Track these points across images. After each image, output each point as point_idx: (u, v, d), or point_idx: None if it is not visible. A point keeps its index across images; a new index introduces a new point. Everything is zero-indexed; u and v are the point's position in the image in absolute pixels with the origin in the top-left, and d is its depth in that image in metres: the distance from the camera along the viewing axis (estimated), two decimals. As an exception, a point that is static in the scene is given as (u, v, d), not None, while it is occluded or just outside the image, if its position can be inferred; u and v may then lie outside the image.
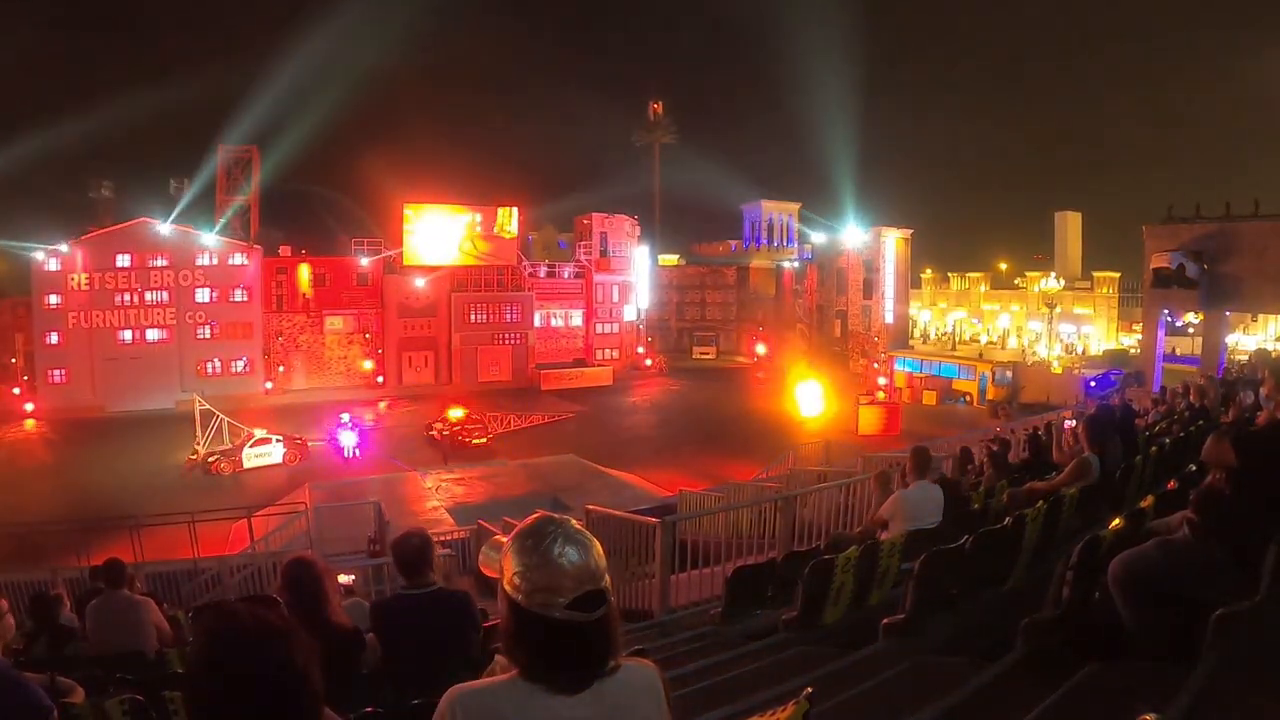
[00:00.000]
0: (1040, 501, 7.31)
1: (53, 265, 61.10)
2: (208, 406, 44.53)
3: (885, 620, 5.85)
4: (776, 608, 7.50)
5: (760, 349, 74.23)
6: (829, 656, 5.68)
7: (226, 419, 44.56)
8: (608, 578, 2.20)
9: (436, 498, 30.09)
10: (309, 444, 43.09)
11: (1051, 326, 64.16)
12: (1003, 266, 75.24)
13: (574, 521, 2.25)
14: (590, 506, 12.55)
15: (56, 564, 20.44)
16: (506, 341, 68.09)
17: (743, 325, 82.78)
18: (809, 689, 2.49)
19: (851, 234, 70.15)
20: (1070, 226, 74.53)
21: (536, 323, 69.73)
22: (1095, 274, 66.94)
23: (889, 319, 66.87)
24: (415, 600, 5.12)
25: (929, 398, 55.37)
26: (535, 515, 2.28)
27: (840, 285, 71.20)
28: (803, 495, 13.29)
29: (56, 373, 60.55)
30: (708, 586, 10.32)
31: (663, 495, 26.87)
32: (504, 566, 2.19)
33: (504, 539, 2.32)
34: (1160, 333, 42.99)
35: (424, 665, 4.71)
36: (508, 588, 2.17)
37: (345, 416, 44.81)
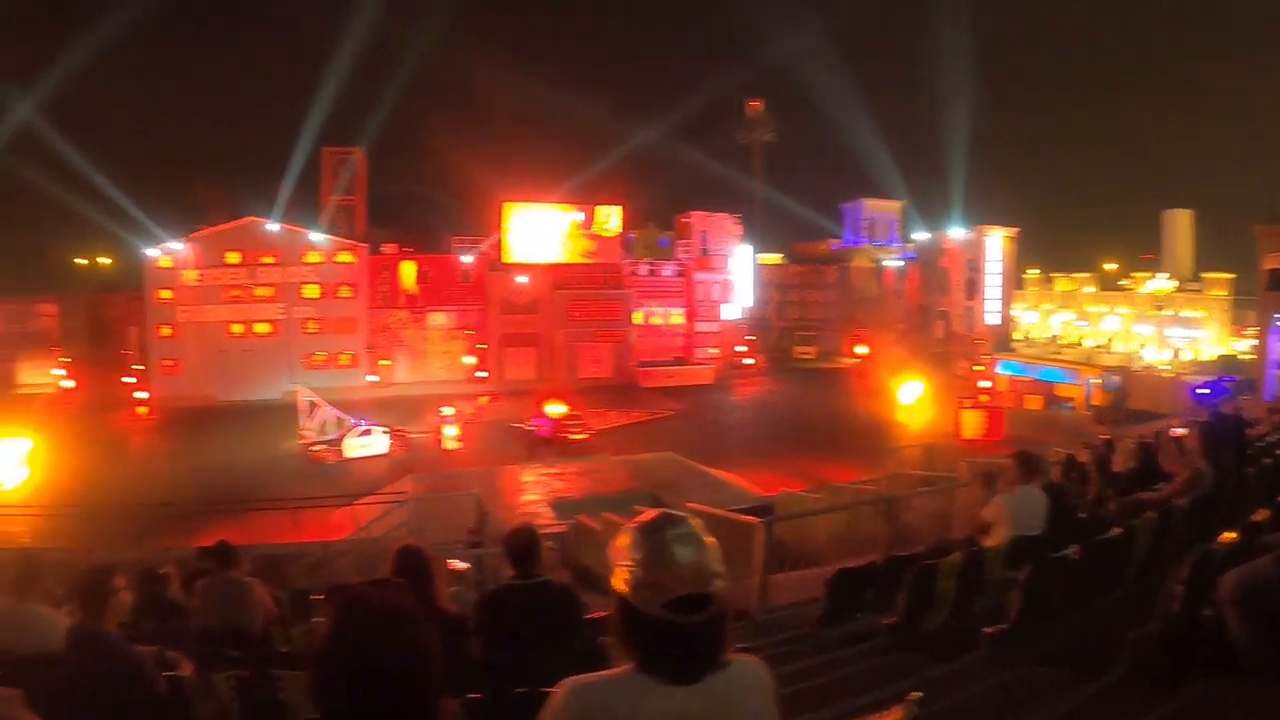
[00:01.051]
0: (1150, 512, 7.13)
1: (165, 262, 63.70)
2: (312, 397, 45.55)
3: (987, 629, 5.76)
4: (876, 612, 7.42)
5: (861, 349, 73.28)
6: (929, 663, 5.62)
7: (331, 409, 45.53)
8: (719, 581, 2.18)
9: (535, 491, 30.29)
10: (411, 435, 43.72)
11: (1160, 330, 62.12)
12: (1110, 267, 73.19)
13: (694, 520, 2.24)
14: (690, 505, 12.53)
15: (166, 544, 21.10)
16: (607, 338, 68.39)
17: (844, 325, 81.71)
18: (918, 694, 2.46)
19: (954, 233, 68.99)
20: (1181, 225, 71.74)
21: (637, 320, 69.81)
22: (1207, 275, 64.21)
23: (992, 320, 65.61)
24: (524, 591, 5.19)
25: (1032, 403, 53.92)
26: (656, 511, 2.28)
27: (943, 285, 70.06)
28: (904, 499, 13.14)
29: (168, 363, 62.99)
30: (805, 588, 10.25)
31: (761, 495, 26.68)
32: (618, 559, 2.20)
33: (623, 533, 2.31)
34: (1274, 338, 41.27)
35: (529, 655, 4.76)
36: (616, 580, 2.19)
37: (448, 410, 45.37)
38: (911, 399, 48.07)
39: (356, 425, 43.72)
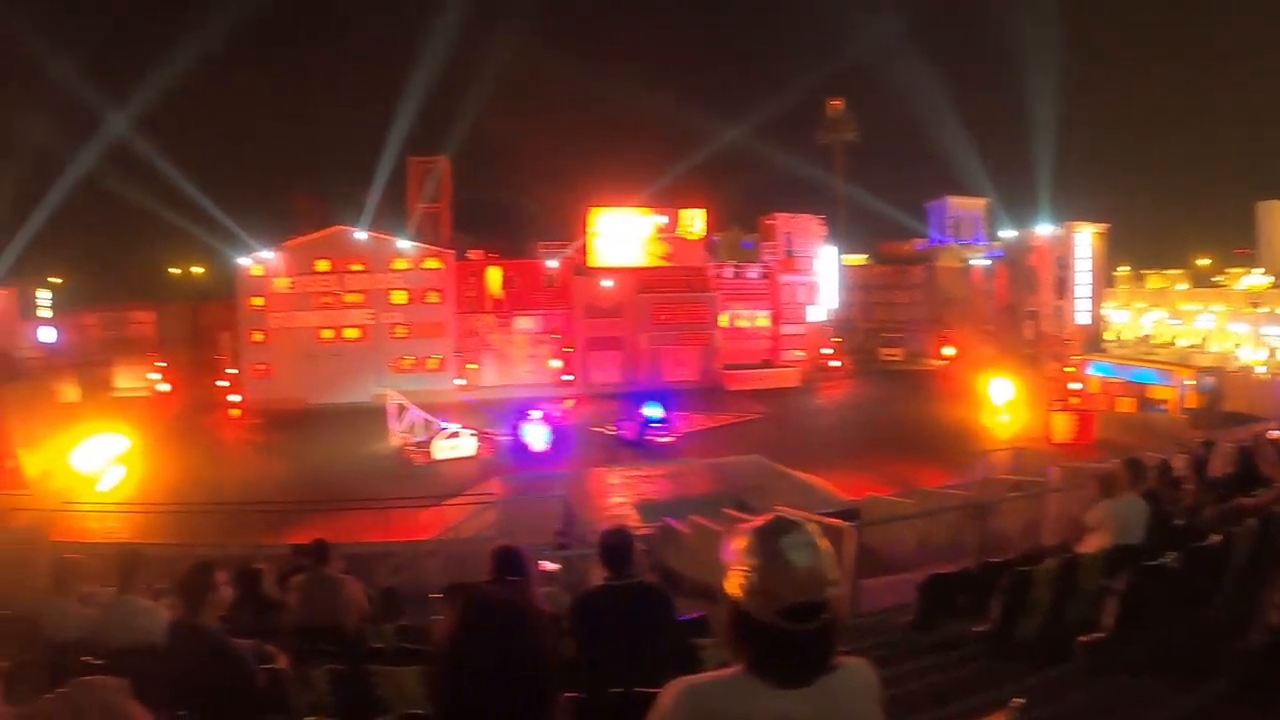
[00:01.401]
0: (1250, 519, 6.94)
1: (257, 270, 65.82)
2: (401, 400, 46.27)
3: (1082, 638, 5.65)
4: (969, 618, 7.32)
5: (948, 351, 72.17)
6: (1023, 671, 5.53)
7: (419, 412, 46.22)
8: (833, 588, 2.16)
9: (622, 494, 30.39)
10: (498, 438, 44.10)
11: (1256, 329, 59.94)
12: (1203, 263, 71.05)
13: (811, 526, 2.22)
14: (778, 508, 12.45)
15: (259, 541, 21.59)
16: (693, 342, 68.24)
17: (930, 326, 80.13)
18: (1020, 700, 2.43)
19: (1042, 229, 67.50)
20: (1277, 217, 69.40)
21: (723, 323, 69.58)
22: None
23: (1082, 320, 64.15)
24: (618, 592, 5.23)
25: (1124, 405, 52.20)
26: (771, 514, 2.27)
27: (1031, 284, 68.25)
28: (995, 504, 12.94)
29: (260, 367, 64.86)
30: (895, 593, 10.16)
31: (848, 499, 26.50)
32: (731, 562, 2.19)
33: (740, 533, 2.29)
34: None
35: (623, 655, 4.79)
36: (729, 584, 2.17)
37: (535, 413, 45.72)
38: (1001, 401, 47.17)
39: (444, 428, 44.28)
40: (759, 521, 2.23)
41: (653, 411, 45.58)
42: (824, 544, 2.17)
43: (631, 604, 5.14)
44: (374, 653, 6.10)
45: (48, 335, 69.30)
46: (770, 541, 2.14)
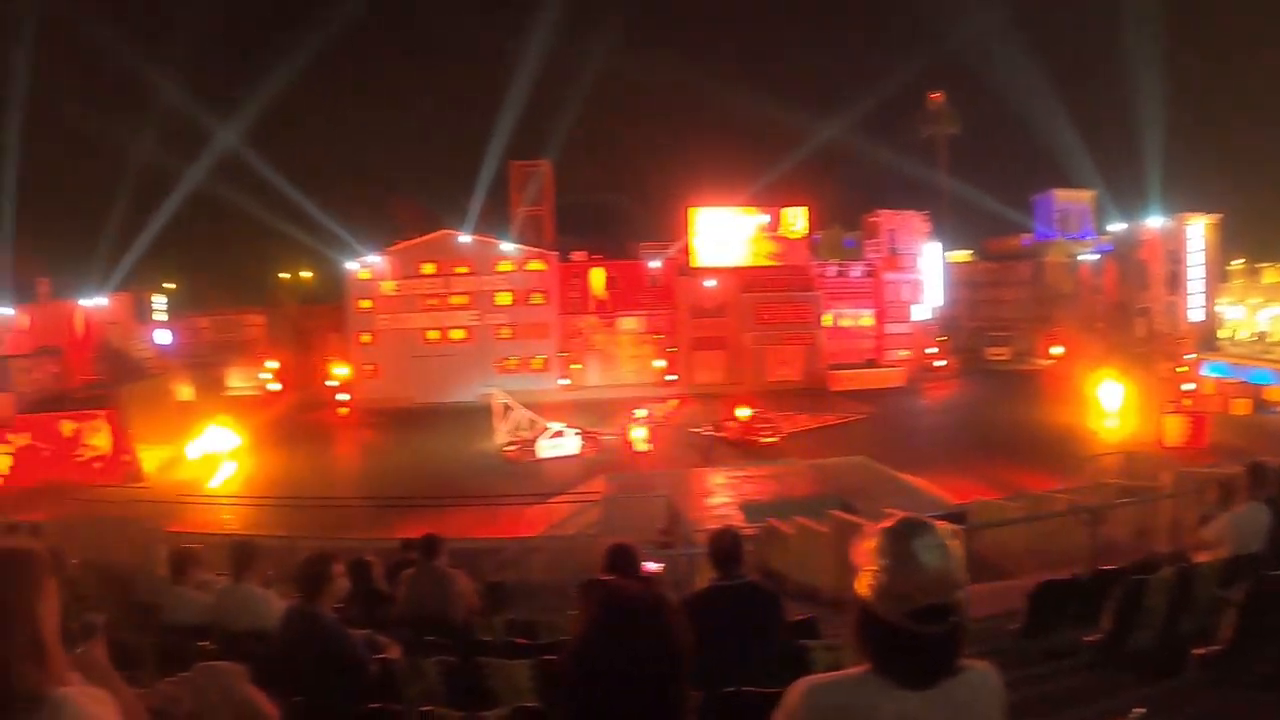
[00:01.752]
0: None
1: (364, 274, 68.08)
2: (506, 400, 46.87)
3: (1197, 650, 5.50)
4: (1079, 627, 7.18)
5: (1056, 350, 70.05)
6: (1135, 683, 5.42)
7: (524, 411, 46.77)
8: (961, 591, 2.16)
9: (725, 494, 30.34)
10: (601, 437, 44.35)
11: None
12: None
13: (942, 527, 2.22)
14: (887, 511, 12.31)
15: (366, 535, 22.10)
16: (796, 341, 67.72)
17: (1038, 324, 77.43)
18: (1141, 709, 2.40)
19: (1152, 221, 65.14)
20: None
21: (826, 322, 68.94)
22: None
23: (1196, 317, 61.88)
24: (728, 591, 5.25)
25: (1239, 407, 49.87)
26: (901, 515, 2.27)
27: (1141, 279, 65.77)
28: (1106, 510, 12.63)
29: (368, 368, 66.79)
30: (1001, 599, 9.97)
31: (953, 502, 26.12)
32: (860, 562, 2.19)
33: (870, 533, 2.30)
34: None
35: (733, 656, 4.81)
36: (859, 585, 2.17)
37: (638, 413, 45.90)
38: (1111, 403, 45.80)
39: (549, 427, 44.71)
40: (890, 522, 2.23)
41: (742, 414, 45.53)
42: (955, 546, 2.17)
43: (741, 604, 5.16)
44: (483, 645, 6.20)
45: (163, 338, 72.59)
46: (902, 542, 2.14)
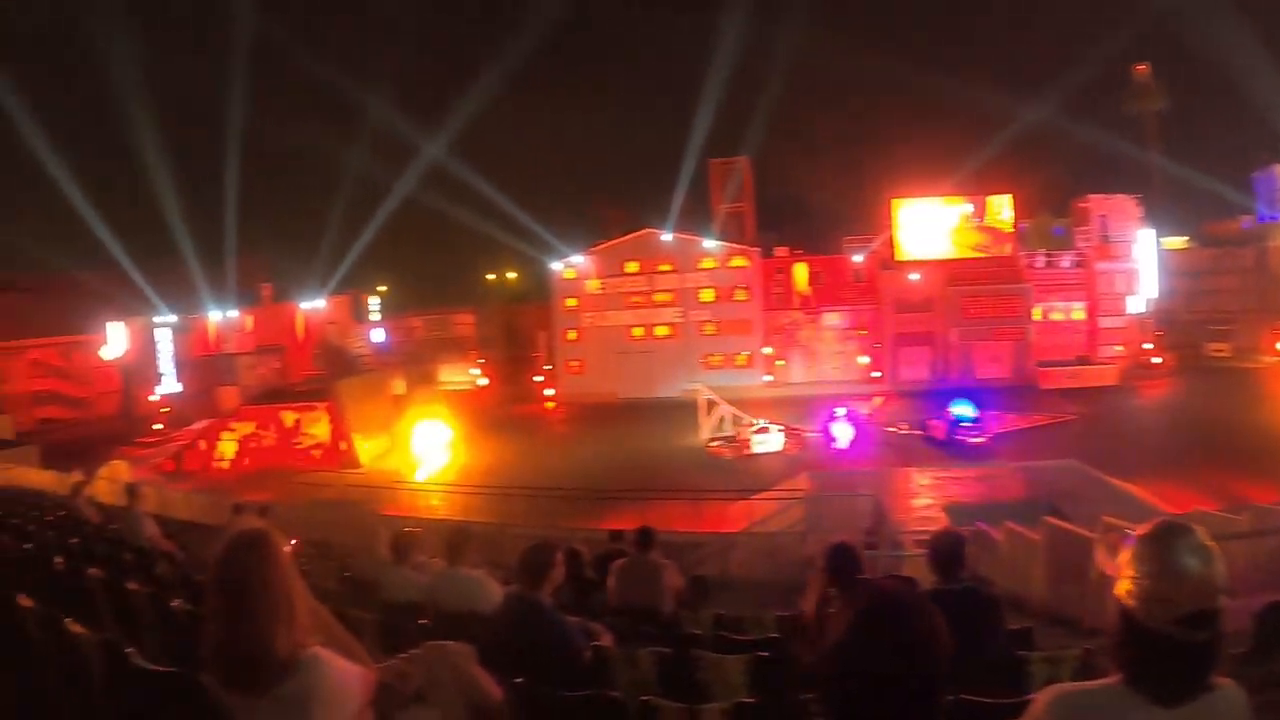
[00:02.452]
0: None
1: (569, 274, 70.34)
2: (711, 396, 47.15)
3: None
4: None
5: None
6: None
7: (729, 407, 46.98)
8: (1225, 596, 2.10)
9: (930, 495, 29.72)
10: (806, 434, 44.04)
11: None
12: None
13: (1202, 530, 2.16)
14: (1105, 519, 11.87)
15: (574, 525, 22.66)
16: (1004, 336, 65.37)
17: (1263, 316, 69.67)
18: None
19: None
20: None
21: (1036, 316, 66.27)
22: None
23: None
24: (948, 596, 5.18)
25: None
26: (1160, 519, 2.23)
27: None
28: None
29: (574, 364, 69.05)
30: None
31: (1171, 512, 24.91)
32: (1120, 569, 2.16)
33: (1127, 539, 2.25)
34: None
35: (956, 662, 4.73)
36: (1120, 592, 2.14)
37: (841, 410, 45.42)
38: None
39: (753, 423, 44.76)
40: (1150, 526, 2.18)
41: (962, 410, 44.26)
42: (1216, 549, 2.11)
43: (962, 610, 5.07)
44: (693, 638, 6.29)
45: (378, 336, 77.11)
46: (1165, 545, 2.10)
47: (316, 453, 47.99)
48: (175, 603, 5.72)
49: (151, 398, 60.84)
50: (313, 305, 70.63)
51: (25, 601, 5.29)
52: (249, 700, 2.78)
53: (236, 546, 2.92)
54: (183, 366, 64.38)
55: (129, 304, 63.15)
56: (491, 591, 7.01)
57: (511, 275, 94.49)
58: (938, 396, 51.83)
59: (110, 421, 60.45)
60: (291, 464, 46.00)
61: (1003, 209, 68.37)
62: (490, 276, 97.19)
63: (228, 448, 49.54)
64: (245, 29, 72.94)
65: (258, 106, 77.64)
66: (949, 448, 41.58)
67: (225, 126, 72.81)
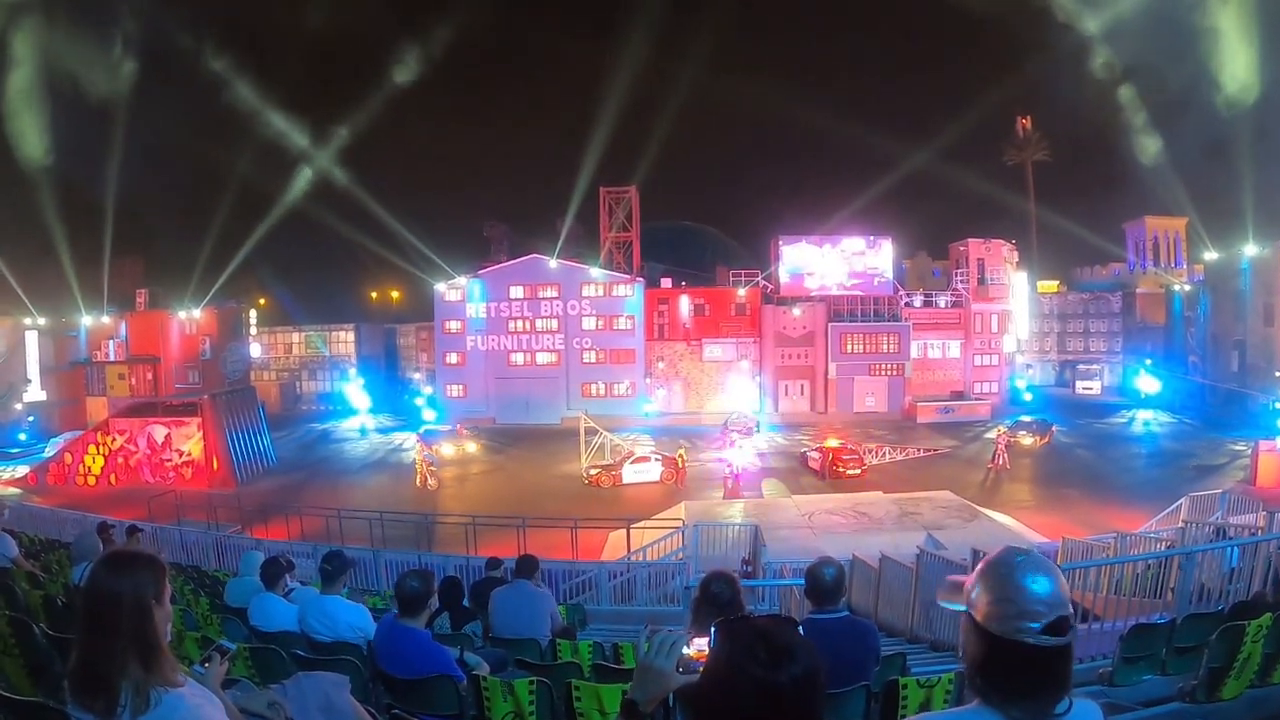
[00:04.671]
0: None
1: (452, 295, 69.69)
2: (591, 424, 47.16)
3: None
4: (1168, 673, 7.02)
5: (1146, 384, 66.99)
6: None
7: (609, 436, 47.02)
8: (1069, 607, 2.17)
9: (809, 524, 30.12)
10: (684, 464, 44.23)
11: None
12: None
13: (1037, 551, 2.25)
14: (974, 548, 12.16)
15: (450, 551, 22.53)
16: (883, 372, 67.04)
17: (1130, 357, 75.26)
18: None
19: (1248, 250, 62.34)
20: None
21: (914, 354, 68.17)
22: None
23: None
24: (827, 624, 5.25)
25: None
26: (1003, 547, 2.29)
27: (1238, 311, 62.64)
28: (1201, 552, 12.28)
29: (454, 388, 68.74)
30: (1088, 643, 9.78)
31: (1040, 540, 25.67)
32: (976, 597, 2.21)
33: (961, 577, 2.34)
34: None
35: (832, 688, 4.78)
36: (980, 616, 2.18)
37: (728, 439, 45.85)
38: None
39: (633, 452, 44.88)
40: (992, 556, 2.26)
41: (831, 444, 45.33)
42: (1056, 567, 2.20)
43: (838, 637, 5.13)
44: (570, 667, 6.27)
45: (253, 350, 76.83)
46: (1011, 570, 2.18)
47: (188, 471, 46.56)
48: (38, 627, 5.50)
49: (16, 405, 58.51)
50: (189, 315, 68.69)
51: None
52: None
53: (111, 566, 2.84)
54: (49, 374, 62.17)
55: (-4, 304, 60.64)
56: (365, 620, 6.89)
57: (395, 294, 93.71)
58: (814, 429, 52.87)
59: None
60: (162, 481, 44.70)
61: (882, 249, 69.83)
62: (374, 294, 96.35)
63: (95, 462, 47.73)
64: (135, 24, 70.56)
65: (145, 104, 75.12)
66: (827, 478, 42.24)
67: (109, 124, 70.33)
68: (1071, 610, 2.16)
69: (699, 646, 2.35)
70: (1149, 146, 74.68)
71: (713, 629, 2.03)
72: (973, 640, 2.21)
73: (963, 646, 2.27)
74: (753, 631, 1.96)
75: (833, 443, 45.85)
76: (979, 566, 2.26)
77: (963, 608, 2.26)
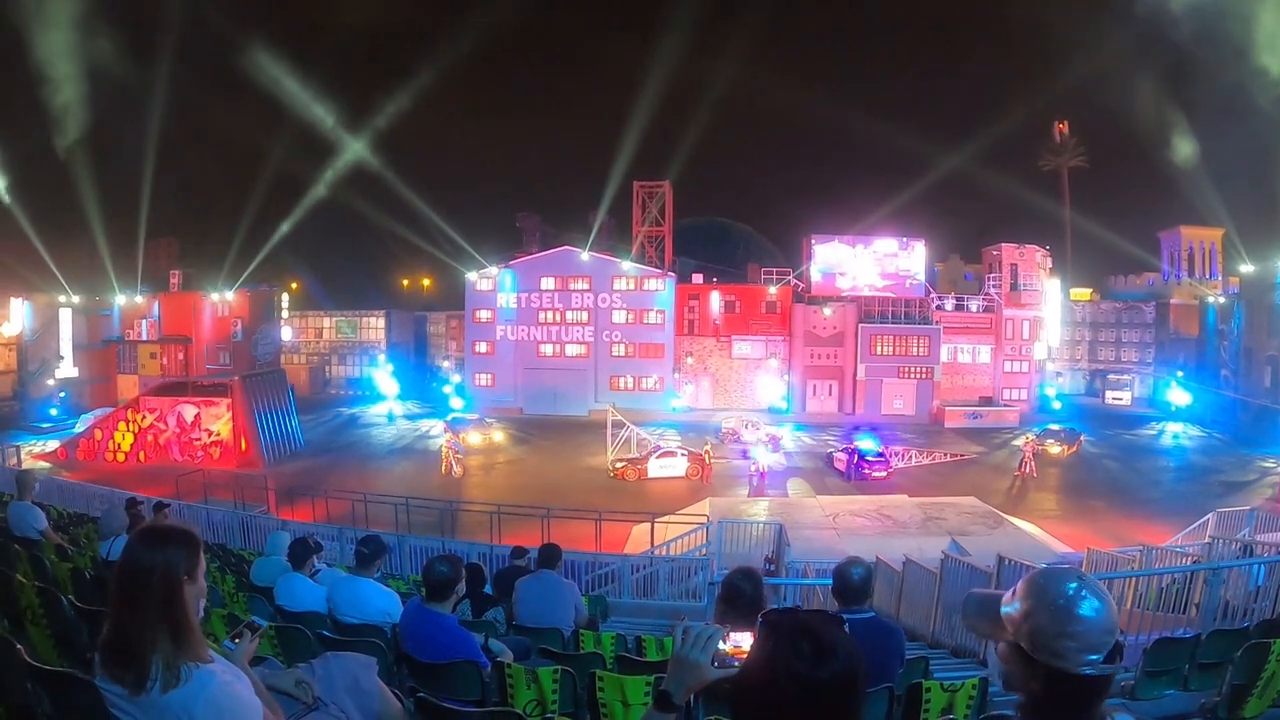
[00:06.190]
0: None
1: (484, 285, 69.91)
2: (619, 417, 47.14)
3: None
4: (1190, 689, 6.98)
5: (1177, 396, 66.12)
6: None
7: (636, 430, 47.02)
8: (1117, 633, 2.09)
9: (834, 525, 30.07)
10: (710, 460, 44.11)
11: None
12: None
13: (1082, 572, 2.16)
14: (999, 555, 12.06)
15: (472, 539, 22.60)
16: (912, 375, 66.71)
17: (1162, 369, 74.23)
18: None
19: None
20: None
21: (944, 357, 67.80)
22: None
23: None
24: (853, 625, 5.20)
25: None
26: (1052, 566, 2.22)
27: (1272, 326, 61.51)
28: (1228, 569, 12.17)
29: (483, 377, 68.92)
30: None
31: (1065, 550, 25.52)
32: (1030, 632, 2.09)
33: (987, 591, 2.25)
34: None
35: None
36: (1038, 653, 2.07)
37: (749, 437, 45.73)
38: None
39: (659, 446, 44.82)
40: (1038, 574, 2.16)
41: (867, 444, 44.87)
42: (1107, 590, 2.10)
43: (864, 639, 5.10)
44: (594, 658, 6.28)
45: (285, 334, 76.95)
46: (1063, 593, 2.07)
47: (216, 451, 46.90)
48: (66, 599, 5.57)
49: (49, 381, 59.13)
50: (221, 297, 69.32)
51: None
52: (132, 700, 2.74)
53: (145, 540, 2.88)
54: (81, 351, 62.79)
55: (32, 281, 61.35)
56: (395, 605, 6.94)
57: (426, 282, 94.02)
58: (845, 429, 52.70)
59: (2, 404, 58.49)
60: (190, 460, 45.02)
61: (916, 251, 69.56)
62: (404, 282, 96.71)
63: (124, 439, 48.17)
64: (173, 12, 71.15)
65: (182, 90, 75.85)
66: (852, 479, 42.06)
67: (146, 108, 70.99)
68: (1118, 639, 2.07)
69: (735, 643, 2.35)
70: (1187, 154, 74.07)
71: (759, 621, 2.02)
72: (1027, 675, 2.13)
73: (1014, 680, 2.18)
74: (798, 626, 1.95)
75: (860, 443, 45.38)
76: (1021, 591, 2.15)
77: (1001, 641, 2.19)
